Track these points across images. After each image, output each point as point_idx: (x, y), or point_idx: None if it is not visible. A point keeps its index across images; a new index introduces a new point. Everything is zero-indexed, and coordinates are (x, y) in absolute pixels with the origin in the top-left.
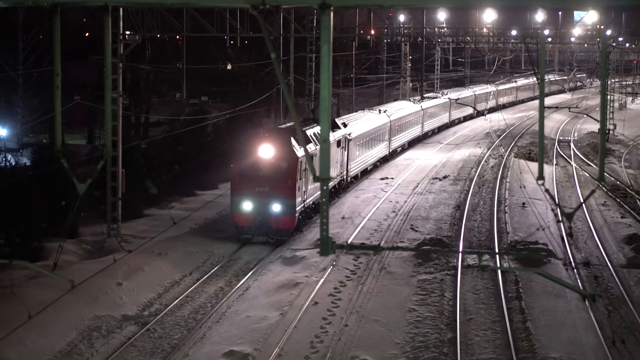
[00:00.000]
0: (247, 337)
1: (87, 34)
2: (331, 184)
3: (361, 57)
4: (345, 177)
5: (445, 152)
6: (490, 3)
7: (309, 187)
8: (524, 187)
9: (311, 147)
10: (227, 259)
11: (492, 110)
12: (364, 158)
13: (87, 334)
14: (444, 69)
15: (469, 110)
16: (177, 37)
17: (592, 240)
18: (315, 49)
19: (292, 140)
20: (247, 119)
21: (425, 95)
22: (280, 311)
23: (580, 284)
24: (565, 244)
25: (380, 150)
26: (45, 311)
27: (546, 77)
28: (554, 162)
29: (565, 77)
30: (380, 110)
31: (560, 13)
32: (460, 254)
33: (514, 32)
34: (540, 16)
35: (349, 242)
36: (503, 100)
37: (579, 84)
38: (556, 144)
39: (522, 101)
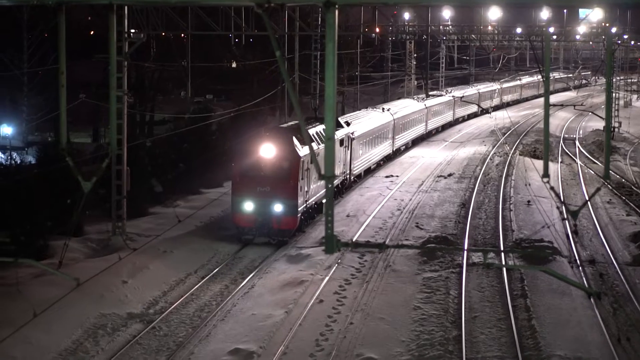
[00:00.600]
0: (252, 335)
1: (92, 33)
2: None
3: (366, 55)
4: (348, 176)
5: (450, 149)
6: (495, 1)
7: (311, 187)
8: (529, 184)
9: (314, 146)
10: (232, 257)
11: (496, 108)
12: (367, 157)
13: (92, 331)
14: (448, 66)
15: (474, 108)
16: (182, 35)
17: (598, 238)
18: (320, 47)
19: (294, 139)
20: (251, 117)
21: (429, 94)
22: (286, 309)
23: (585, 281)
24: (570, 242)
25: (384, 149)
26: (50, 309)
27: (551, 74)
28: (559, 159)
29: (570, 75)
30: (383, 109)
31: (565, 11)
32: (465, 252)
33: (519, 30)
34: (545, 14)
35: (354, 240)
36: (507, 98)
37: (584, 81)
38: (561, 141)
39: (527, 99)
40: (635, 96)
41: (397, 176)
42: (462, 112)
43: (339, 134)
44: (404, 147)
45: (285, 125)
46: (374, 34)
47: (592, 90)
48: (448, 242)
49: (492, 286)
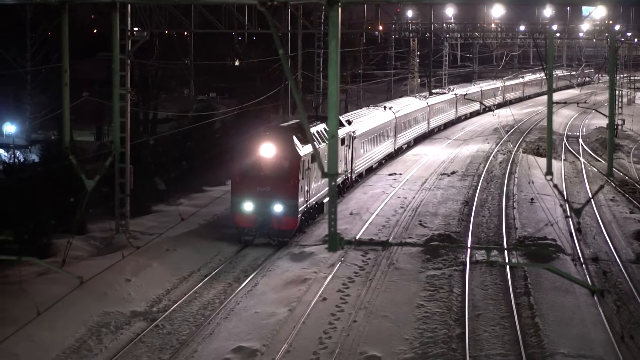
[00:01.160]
0: (255, 333)
1: (95, 31)
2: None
3: (369, 53)
4: (349, 175)
5: (454, 147)
6: None
7: (312, 187)
8: (533, 182)
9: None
10: (235, 255)
11: (499, 106)
12: (368, 156)
13: (95, 330)
14: (452, 64)
15: (476, 106)
16: (185, 33)
17: (601, 236)
18: (323, 45)
19: (295, 138)
20: (255, 115)
21: (432, 92)
22: (289, 307)
23: (589, 279)
24: (573, 240)
25: (386, 147)
26: (54, 307)
27: (554, 72)
28: (563, 157)
29: (574, 73)
30: (385, 107)
31: (568, 8)
32: (468, 250)
33: (522, 28)
34: (548, 11)
35: (357, 238)
36: (510, 96)
37: (587, 79)
38: (564, 139)
39: (529, 97)
40: (638, 94)
41: (400, 174)
42: (464, 110)
43: (340, 133)
44: (406, 145)
45: (285, 124)
46: (377, 32)
47: (595, 88)
48: (451, 240)
49: (495, 284)
